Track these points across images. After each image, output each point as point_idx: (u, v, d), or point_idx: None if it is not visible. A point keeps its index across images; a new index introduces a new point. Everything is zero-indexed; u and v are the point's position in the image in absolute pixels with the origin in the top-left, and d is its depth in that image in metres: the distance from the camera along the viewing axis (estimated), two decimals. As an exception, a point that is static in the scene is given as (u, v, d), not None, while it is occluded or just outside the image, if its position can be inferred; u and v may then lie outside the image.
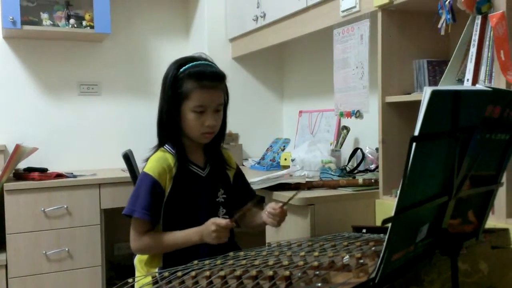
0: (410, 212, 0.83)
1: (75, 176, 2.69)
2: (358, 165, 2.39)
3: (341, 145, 2.59)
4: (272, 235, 2.00)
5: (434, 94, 0.76)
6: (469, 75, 1.70)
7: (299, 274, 1.01)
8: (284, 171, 2.13)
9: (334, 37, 2.25)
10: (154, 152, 1.60)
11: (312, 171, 2.40)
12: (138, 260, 1.62)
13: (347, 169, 2.30)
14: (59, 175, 2.65)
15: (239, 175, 1.74)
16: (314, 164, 2.46)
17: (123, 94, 3.30)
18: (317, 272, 1.00)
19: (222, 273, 1.05)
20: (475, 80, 1.69)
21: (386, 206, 1.88)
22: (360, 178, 2.01)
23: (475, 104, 0.89)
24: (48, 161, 2.94)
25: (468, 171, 0.96)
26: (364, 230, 1.59)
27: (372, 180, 1.98)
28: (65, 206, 2.56)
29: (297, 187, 1.98)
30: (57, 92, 3.13)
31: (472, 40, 1.70)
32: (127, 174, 2.74)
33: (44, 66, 3.10)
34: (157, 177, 1.52)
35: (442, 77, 1.79)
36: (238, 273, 1.03)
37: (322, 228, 1.82)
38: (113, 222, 2.98)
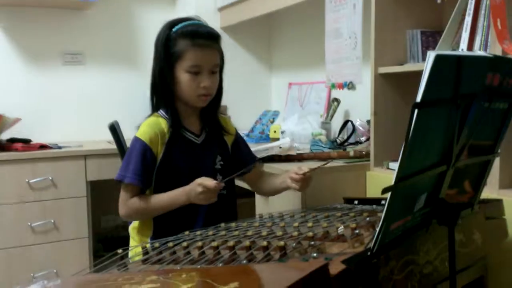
0: (409, 181, 0.81)
1: (59, 147, 2.63)
2: (349, 137, 2.36)
3: (331, 117, 2.56)
4: (262, 206, 1.99)
5: (438, 58, 0.73)
6: (463, 44, 1.68)
7: (294, 244, 0.99)
8: (275, 143, 2.10)
9: (326, 6, 2.20)
10: (147, 117, 1.55)
11: (302, 143, 2.38)
12: (132, 227, 1.59)
13: (338, 141, 2.28)
14: (43, 146, 2.59)
15: (240, 140, 1.71)
16: (304, 136, 2.45)
17: (108, 63, 3.21)
18: (312, 243, 0.98)
19: (214, 243, 1.03)
20: (470, 50, 1.67)
21: (377, 178, 1.87)
22: (351, 150, 1.99)
23: (476, 71, 0.87)
24: (31, 132, 2.87)
25: (467, 140, 0.94)
26: (356, 202, 1.58)
27: (363, 152, 1.96)
28: (50, 178, 2.51)
29: (288, 158, 1.96)
30: (40, 62, 3.03)
31: (468, 9, 1.67)
32: (113, 146, 2.69)
33: (27, 35, 2.99)
34: (148, 142, 1.48)
35: (437, 47, 1.76)
36: (231, 243, 1.02)
37: (313, 200, 1.80)
38: (100, 195, 2.94)
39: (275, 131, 2.69)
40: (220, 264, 0.95)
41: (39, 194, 2.50)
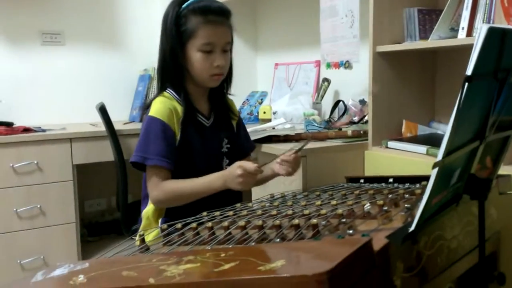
0: (453, 156, 0.81)
1: (44, 131, 2.54)
2: (340, 117, 2.37)
3: (322, 97, 2.56)
4: (262, 188, 1.96)
5: (490, 31, 0.73)
6: (464, 23, 1.69)
7: (323, 222, 0.98)
8: (271, 123, 2.08)
9: (320, -16, 2.17)
10: (156, 97, 1.50)
11: (294, 124, 2.37)
12: (145, 212, 1.52)
13: (332, 121, 2.28)
14: (26, 129, 2.49)
15: (241, 124, 1.68)
16: (296, 116, 2.43)
17: (88, 44, 3.10)
18: (344, 220, 0.97)
19: (241, 223, 1.02)
20: (470, 29, 1.68)
21: (376, 156, 1.87)
22: (348, 130, 1.99)
23: (513, 45, 0.87)
24: (11, 115, 2.75)
25: (498, 115, 0.94)
26: (362, 180, 1.58)
27: (361, 132, 1.96)
28: (35, 162, 2.42)
29: (286, 139, 1.94)
30: (17, 42, 2.90)
31: (469, -12, 1.68)
32: (97, 129, 2.62)
33: (2, 13, 2.86)
34: (166, 120, 1.42)
35: (436, 26, 1.76)
36: (259, 223, 1.00)
37: (314, 180, 1.80)
38: (83, 179, 2.87)
39: (264, 112, 2.66)
40: (253, 243, 0.94)
41: (24, 178, 2.41)
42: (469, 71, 0.74)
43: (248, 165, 1.32)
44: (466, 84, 0.74)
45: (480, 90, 0.82)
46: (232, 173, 1.33)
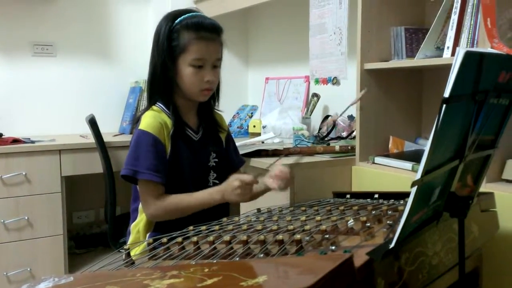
0: (432, 174, 0.83)
1: (33, 142, 2.54)
2: (329, 132, 2.39)
3: (311, 112, 2.58)
4: (248, 202, 1.98)
5: (467, 55, 0.75)
6: (449, 42, 1.72)
7: (307, 238, 1.00)
8: (260, 138, 2.10)
9: (310, 1, 2.21)
10: (145, 111, 1.51)
11: (283, 138, 2.40)
12: (134, 225, 1.52)
13: (320, 136, 2.30)
14: (16, 141, 2.49)
15: (230, 138, 1.69)
16: (285, 131, 2.46)
17: (79, 55, 3.11)
18: (327, 236, 0.99)
19: (227, 237, 1.03)
20: (455, 48, 1.72)
21: (363, 172, 1.90)
22: (336, 145, 2.02)
23: (492, 68, 0.90)
24: (1, 125, 2.76)
25: (478, 135, 0.97)
26: (348, 196, 1.60)
27: (349, 147, 1.99)
28: (24, 173, 2.42)
29: (275, 153, 1.96)
30: (8, 53, 2.91)
31: (454, 8, 1.72)
32: (86, 140, 2.63)
33: (-7, 24, 2.87)
34: (157, 134, 1.43)
35: (422, 44, 1.80)
36: (244, 238, 1.01)
37: (302, 194, 1.82)
38: (72, 190, 2.87)
39: (254, 126, 2.69)
40: (237, 259, 0.95)
41: (12, 190, 2.41)
42: (446, 93, 0.76)
43: (244, 176, 1.40)
44: (444, 105, 0.76)
45: (459, 111, 0.85)
46: (230, 185, 1.39)
